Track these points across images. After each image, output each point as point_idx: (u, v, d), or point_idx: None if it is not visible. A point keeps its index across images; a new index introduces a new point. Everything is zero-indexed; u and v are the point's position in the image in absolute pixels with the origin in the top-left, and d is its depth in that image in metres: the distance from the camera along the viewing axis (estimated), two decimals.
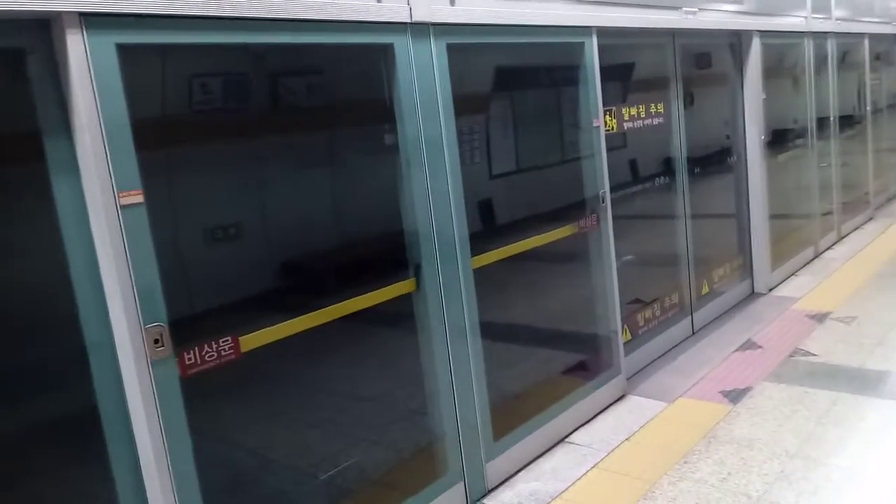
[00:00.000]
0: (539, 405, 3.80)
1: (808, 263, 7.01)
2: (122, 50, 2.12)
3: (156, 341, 2.18)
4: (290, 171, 3.16)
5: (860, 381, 4.20)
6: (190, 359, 2.30)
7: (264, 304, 2.93)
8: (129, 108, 2.13)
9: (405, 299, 3.15)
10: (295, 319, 2.66)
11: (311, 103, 3.13)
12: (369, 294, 2.95)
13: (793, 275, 6.67)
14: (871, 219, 8.69)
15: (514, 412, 3.68)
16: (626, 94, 4.79)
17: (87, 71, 2.06)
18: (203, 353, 2.33)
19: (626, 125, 4.62)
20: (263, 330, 2.54)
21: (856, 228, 8.23)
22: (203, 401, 2.55)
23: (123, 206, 2.11)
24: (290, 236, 3.11)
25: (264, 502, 2.95)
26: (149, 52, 2.44)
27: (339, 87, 3.28)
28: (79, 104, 2.05)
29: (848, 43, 8.15)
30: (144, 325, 2.17)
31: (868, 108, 8.79)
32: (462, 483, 3.30)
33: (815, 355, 4.65)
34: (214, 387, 2.55)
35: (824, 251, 7.39)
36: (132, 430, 2.24)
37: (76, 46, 2.04)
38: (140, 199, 2.14)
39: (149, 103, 2.54)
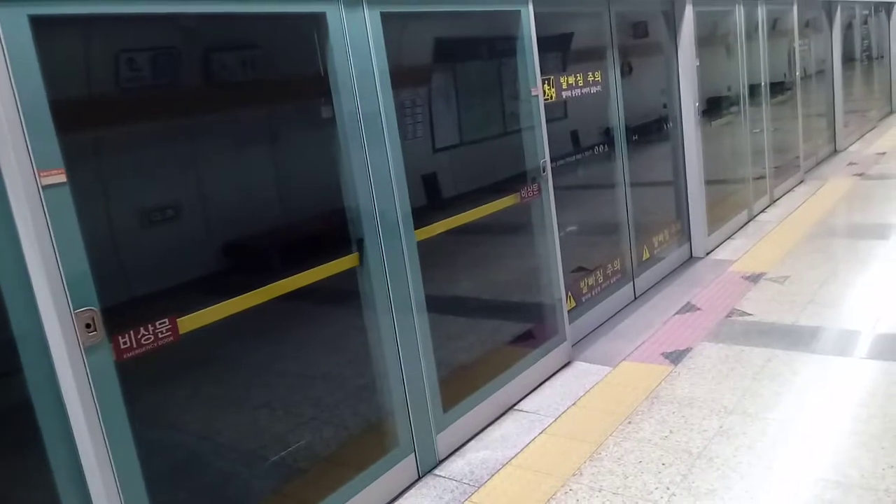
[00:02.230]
0: (487, 375, 3.84)
1: (742, 227, 7.23)
2: (38, 23, 2.02)
3: (87, 326, 2.11)
4: (226, 149, 3.07)
5: (793, 338, 4.36)
6: (125, 342, 2.23)
7: (205, 286, 2.86)
8: (47, 84, 2.03)
9: (350, 276, 3.12)
10: (235, 299, 2.60)
11: (246, 78, 3.04)
12: (311, 270, 2.90)
13: (729, 238, 6.87)
14: (801, 182, 9.00)
15: (462, 383, 3.70)
16: (564, 64, 4.81)
17: None
18: (139, 337, 2.26)
19: (564, 94, 4.64)
20: (202, 311, 2.48)
21: (787, 191, 8.52)
22: (146, 386, 2.49)
23: (45, 186, 2.01)
24: (228, 216, 3.04)
25: (214, 487, 2.92)
26: (71, 25, 2.32)
27: (274, 62, 3.19)
28: None
29: (778, 10, 8.35)
30: (74, 309, 2.09)
31: (798, 74, 9.05)
32: (413, 455, 3.32)
33: (750, 315, 4.81)
34: (158, 371, 2.49)
35: (758, 214, 7.63)
36: (68, 419, 2.17)
37: None
38: (63, 178, 2.05)
39: (74, 80, 2.42)
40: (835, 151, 11.06)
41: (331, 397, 3.41)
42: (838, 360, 4.03)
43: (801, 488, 2.93)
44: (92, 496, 2.20)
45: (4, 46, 1.95)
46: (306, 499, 2.96)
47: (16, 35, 1.97)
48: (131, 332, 2.25)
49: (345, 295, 3.23)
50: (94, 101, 2.54)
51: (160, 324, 2.32)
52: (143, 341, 2.27)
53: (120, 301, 2.38)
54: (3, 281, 2.05)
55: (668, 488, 3.01)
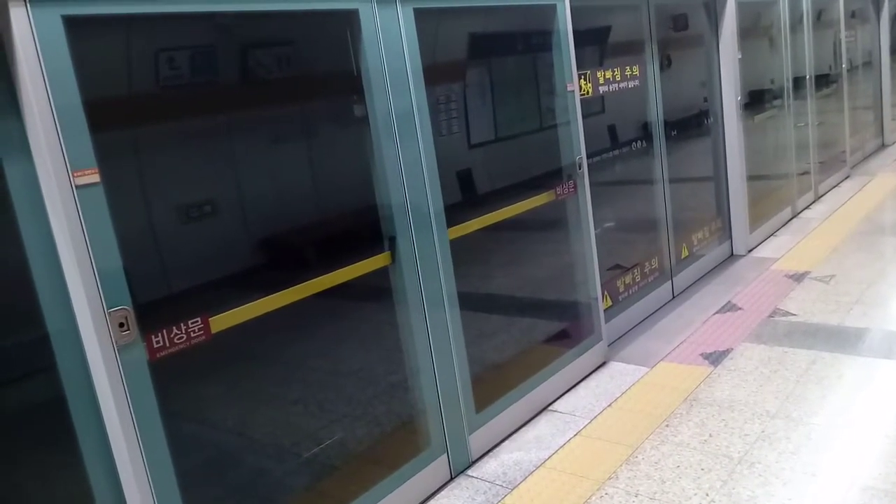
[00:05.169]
0: (521, 375, 3.79)
1: (786, 223, 7.04)
2: (71, 23, 2.03)
3: (121, 325, 2.12)
4: (260, 146, 3.07)
5: (839, 340, 4.22)
6: (158, 342, 2.23)
7: (238, 283, 2.86)
8: (81, 84, 2.04)
9: (382, 273, 3.10)
10: (266, 298, 2.60)
11: (278, 76, 3.04)
12: (343, 269, 2.89)
13: (771, 235, 6.70)
14: (847, 177, 8.74)
15: (495, 383, 3.66)
16: (601, 58, 4.72)
17: (32, 46, 1.96)
18: (172, 336, 2.27)
19: (601, 89, 4.56)
20: (234, 310, 2.48)
21: (833, 187, 8.27)
22: (181, 382, 2.50)
23: (79, 186, 2.02)
24: (260, 214, 3.04)
25: (247, 483, 2.92)
26: (104, 25, 2.34)
27: (307, 60, 3.18)
28: (26, 81, 1.95)
29: (823, 0, 8.11)
30: (108, 309, 2.10)
31: (844, 66, 8.78)
32: (445, 455, 3.29)
33: (794, 315, 4.67)
34: (193, 367, 2.50)
35: (802, 211, 7.42)
36: (102, 417, 2.18)
37: (20, 20, 1.94)
38: (96, 178, 2.06)
39: (107, 79, 2.44)
40: (882, 146, 10.72)
41: (364, 394, 3.40)
42: (886, 362, 3.89)
43: (846, 497, 2.83)
44: (125, 493, 2.22)
45: (38, 47, 1.96)
46: (340, 496, 2.95)
47: (49, 35, 1.98)
48: (164, 332, 2.25)
49: (376, 291, 3.21)
50: (128, 100, 2.55)
51: (192, 323, 2.32)
52: (175, 340, 2.28)
53: (152, 300, 2.39)
54: (39, 280, 2.07)
55: (707, 494, 2.93)
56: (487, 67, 4.10)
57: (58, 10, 1.99)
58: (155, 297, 2.47)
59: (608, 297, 4.63)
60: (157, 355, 2.24)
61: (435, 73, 3.31)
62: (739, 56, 6.03)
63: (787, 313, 4.71)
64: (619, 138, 5.03)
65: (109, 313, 2.10)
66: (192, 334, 2.32)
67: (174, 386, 2.41)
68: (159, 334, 2.25)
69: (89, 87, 2.08)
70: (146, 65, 2.56)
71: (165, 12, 2.32)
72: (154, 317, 2.25)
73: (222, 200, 2.88)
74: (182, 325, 2.30)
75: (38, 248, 2.06)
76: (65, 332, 2.11)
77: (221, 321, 2.42)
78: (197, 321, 2.34)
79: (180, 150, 2.74)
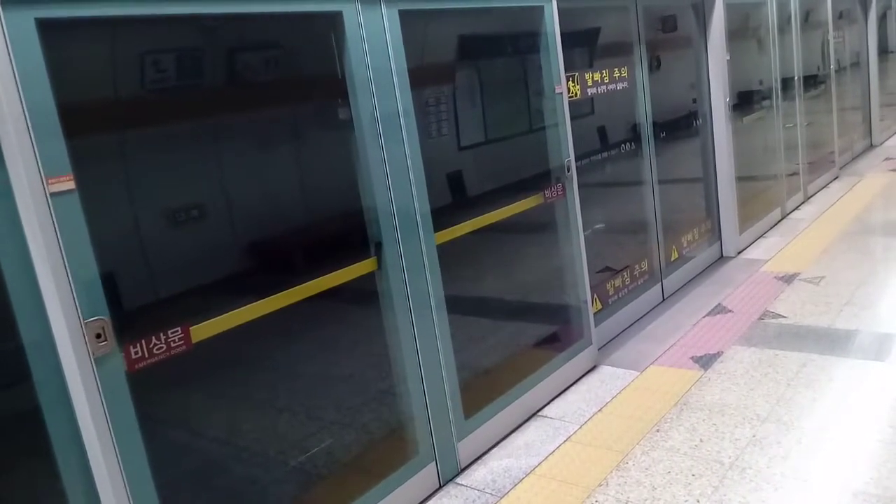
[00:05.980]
0: (510, 380, 3.75)
1: (775, 225, 7.03)
2: (47, 26, 1.97)
3: (97, 336, 2.06)
4: (243, 150, 3.03)
5: (829, 341, 4.21)
6: (136, 352, 2.18)
7: (220, 290, 2.81)
8: (56, 88, 1.99)
9: (369, 277, 3.06)
10: (249, 306, 2.55)
11: (264, 79, 2.99)
12: (327, 276, 2.84)
13: (761, 237, 6.70)
14: (836, 178, 8.75)
15: (484, 388, 3.62)
16: (590, 60, 4.69)
17: (4, 48, 1.90)
18: (151, 346, 2.22)
19: (589, 91, 4.53)
20: (215, 319, 2.42)
21: (822, 188, 8.29)
22: (162, 390, 2.44)
23: (53, 194, 1.97)
24: (244, 219, 2.99)
25: (233, 492, 2.87)
26: (79, 28, 2.28)
27: (293, 62, 3.14)
28: None
29: (811, 1, 8.12)
30: (84, 319, 2.04)
31: (832, 67, 8.80)
32: (434, 464, 3.25)
33: (784, 317, 4.65)
34: (175, 374, 2.44)
35: (791, 212, 7.42)
36: (79, 430, 2.13)
37: None
38: (71, 185, 2.00)
39: (90, 83, 2.39)
40: (871, 146, 10.76)
41: (351, 401, 3.35)
42: (877, 364, 3.87)
43: (838, 502, 2.80)
44: None
45: (10, 51, 1.91)
46: None
47: (22, 39, 1.93)
48: (143, 342, 2.20)
49: (363, 296, 3.17)
50: (105, 104, 2.50)
51: (172, 332, 2.27)
52: (154, 351, 2.23)
53: (131, 309, 2.34)
54: (13, 290, 2.01)
55: (698, 501, 2.90)
56: (476, 69, 4.07)
57: (31, 13, 1.94)
58: (133, 306, 2.41)
59: (598, 301, 4.60)
60: (136, 366, 2.19)
61: (422, 76, 3.28)
62: (728, 57, 6.02)
63: (777, 315, 4.70)
64: (608, 140, 5.01)
65: (86, 324, 2.05)
66: (172, 344, 2.27)
67: (155, 395, 2.35)
68: (138, 345, 2.19)
69: (65, 92, 2.02)
70: (124, 68, 2.50)
71: (141, 15, 2.26)
72: (133, 327, 2.20)
73: (206, 206, 2.83)
74: (161, 334, 2.25)
75: (12, 258, 2.00)
76: (40, 343, 2.05)
77: (202, 330, 2.37)
78: (177, 331, 2.29)
79: (160, 154, 2.69)
